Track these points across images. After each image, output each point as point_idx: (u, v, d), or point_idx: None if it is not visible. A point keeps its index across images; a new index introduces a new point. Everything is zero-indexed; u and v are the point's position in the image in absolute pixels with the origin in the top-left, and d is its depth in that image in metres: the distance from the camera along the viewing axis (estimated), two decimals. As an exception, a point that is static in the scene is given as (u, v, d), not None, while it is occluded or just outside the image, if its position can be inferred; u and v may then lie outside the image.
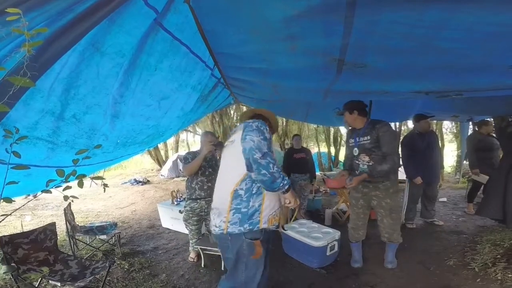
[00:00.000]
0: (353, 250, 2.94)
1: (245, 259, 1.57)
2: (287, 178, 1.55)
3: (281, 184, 1.51)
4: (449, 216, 4.54)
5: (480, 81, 1.98)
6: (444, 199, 5.61)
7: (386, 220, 2.71)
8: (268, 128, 1.66)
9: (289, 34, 1.52)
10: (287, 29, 1.46)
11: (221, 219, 1.58)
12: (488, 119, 4.47)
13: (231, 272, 1.65)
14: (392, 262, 2.87)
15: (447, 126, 11.17)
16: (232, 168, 1.66)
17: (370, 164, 2.63)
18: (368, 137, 2.63)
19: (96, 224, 3.74)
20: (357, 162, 2.74)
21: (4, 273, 2.58)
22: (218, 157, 3.05)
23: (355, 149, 2.73)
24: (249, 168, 1.55)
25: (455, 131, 10.24)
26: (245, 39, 1.74)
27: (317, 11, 1.25)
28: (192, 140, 16.49)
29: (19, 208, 0.87)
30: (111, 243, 3.67)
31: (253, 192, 1.57)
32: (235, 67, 2.46)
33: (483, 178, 4.26)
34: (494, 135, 4.34)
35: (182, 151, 12.70)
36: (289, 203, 1.63)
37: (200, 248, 3.13)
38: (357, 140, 2.71)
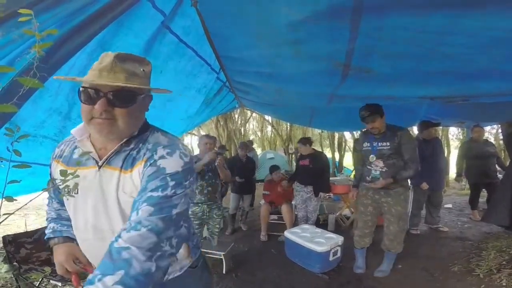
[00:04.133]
0: (357, 256, 2.91)
1: None
2: (48, 227, 1.03)
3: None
4: (454, 223, 4.48)
5: (486, 87, 1.97)
6: (450, 205, 5.54)
7: (392, 227, 2.63)
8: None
9: (295, 38, 1.52)
10: (293, 33, 1.46)
11: None
12: (495, 125, 4.45)
13: None
14: (384, 272, 2.78)
15: (453, 132, 11.08)
16: None
17: (384, 170, 2.55)
18: (388, 143, 2.52)
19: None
20: (369, 167, 2.64)
21: (5, 272, 2.59)
22: (218, 161, 3.03)
23: (372, 155, 2.60)
24: None
25: (462, 138, 10.15)
26: (251, 43, 1.75)
27: (323, 16, 1.26)
28: (196, 144, 16.56)
29: (21, 207, 0.87)
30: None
31: None
32: (240, 71, 2.48)
33: (463, 184, 4.32)
34: (492, 141, 4.33)
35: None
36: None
37: (202, 251, 3.12)
38: (375, 145, 2.59)
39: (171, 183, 0.78)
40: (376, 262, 2.99)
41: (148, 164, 0.81)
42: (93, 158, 0.86)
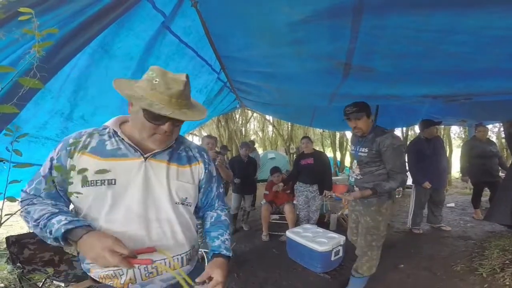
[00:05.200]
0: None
1: None
2: (55, 226, 0.82)
3: (48, 238, 0.83)
4: (457, 222, 4.47)
5: (488, 85, 1.96)
6: (452, 205, 5.53)
7: (359, 240, 2.37)
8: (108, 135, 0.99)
9: (296, 38, 1.52)
10: (294, 33, 1.47)
11: None
12: (497, 124, 4.44)
13: None
14: None
15: (455, 131, 11.07)
16: None
17: (358, 178, 2.30)
18: (366, 150, 2.22)
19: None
20: (351, 172, 2.43)
21: (9, 273, 2.60)
22: (218, 161, 3.04)
23: (355, 160, 2.35)
24: None
25: (463, 136, 10.12)
26: (252, 43, 1.75)
27: (323, 16, 1.26)
28: (198, 144, 16.56)
29: (21, 209, 0.87)
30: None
31: None
32: (241, 71, 2.48)
33: (469, 185, 4.33)
34: (494, 140, 4.31)
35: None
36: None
37: (204, 251, 3.13)
38: (357, 149, 2.32)
39: (218, 182, 1.21)
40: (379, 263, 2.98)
41: (205, 169, 1.11)
42: (136, 151, 0.94)
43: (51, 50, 0.89)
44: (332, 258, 2.91)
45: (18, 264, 2.19)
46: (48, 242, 0.85)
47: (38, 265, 2.35)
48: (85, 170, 0.80)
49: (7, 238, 2.25)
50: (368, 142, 2.23)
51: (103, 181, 0.89)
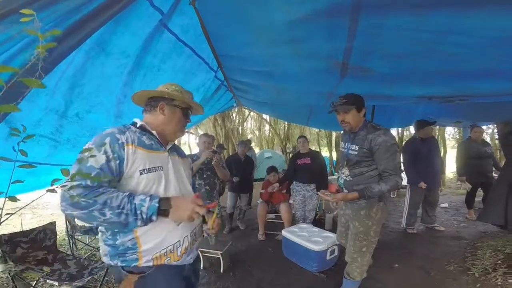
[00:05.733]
0: None
1: None
2: (144, 204, 1.03)
3: (136, 219, 1.02)
4: (450, 222, 4.52)
5: (484, 87, 1.98)
6: (446, 205, 5.58)
7: (349, 245, 2.22)
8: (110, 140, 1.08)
9: (293, 37, 1.52)
10: (292, 32, 1.46)
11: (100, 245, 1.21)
12: (491, 125, 4.48)
13: None
14: None
15: (450, 131, 11.17)
16: None
17: (347, 180, 2.12)
18: (357, 148, 2.02)
19: (96, 224, 3.72)
20: (340, 173, 2.23)
21: (1, 271, 2.57)
22: (215, 161, 3.04)
23: (345, 159, 2.14)
24: None
25: (458, 137, 10.22)
26: (249, 42, 1.75)
27: (321, 15, 1.26)
28: (194, 142, 16.53)
29: (23, 207, 0.87)
30: (110, 243, 3.66)
31: (116, 230, 1.11)
32: (239, 70, 2.47)
33: (467, 186, 4.33)
34: (488, 141, 4.36)
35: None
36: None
37: (200, 250, 3.12)
38: (347, 147, 2.14)
39: None
40: (373, 260, 3.01)
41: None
42: (162, 146, 1.25)
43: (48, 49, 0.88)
44: (328, 258, 2.92)
45: (11, 263, 2.16)
46: (132, 225, 1.05)
47: (31, 264, 2.32)
48: (145, 160, 1.12)
49: (0, 237, 2.22)
50: (359, 139, 2.02)
51: (156, 167, 1.16)
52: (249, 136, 14.31)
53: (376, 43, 1.47)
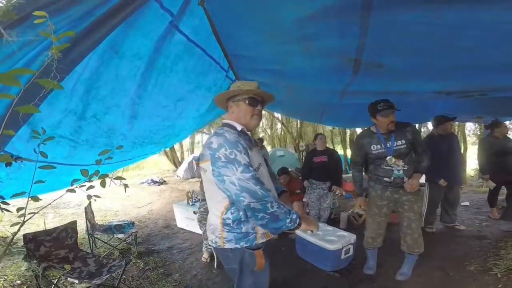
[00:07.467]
0: (369, 257, 2.86)
1: (250, 269, 1.44)
2: (294, 212, 1.30)
3: (288, 221, 1.26)
4: (472, 221, 4.35)
5: (503, 81, 1.90)
6: (467, 203, 5.37)
7: (414, 225, 2.52)
8: (237, 132, 1.39)
9: (304, 35, 1.51)
10: (301, 30, 1.45)
11: (216, 235, 1.43)
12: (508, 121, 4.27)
13: (238, 282, 1.51)
14: (405, 275, 2.67)
15: (470, 128, 10.74)
16: (211, 195, 1.45)
17: (405, 168, 2.43)
18: (404, 141, 2.39)
19: (114, 223, 3.82)
20: (387, 167, 2.48)
21: (25, 269, 2.68)
22: None
23: (389, 156, 2.43)
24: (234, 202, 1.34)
25: (479, 133, 9.82)
26: (259, 41, 1.74)
27: (331, 12, 1.24)
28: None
29: (45, 206, 0.90)
30: (127, 242, 3.76)
31: (242, 219, 1.37)
32: (249, 69, 2.48)
33: (491, 184, 4.13)
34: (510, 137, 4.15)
35: (197, 153, 12.86)
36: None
37: (214, 249, 3.15)
38: (389, 145, 2.42)
39: None
40: (389, 259, 2.95)
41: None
42: (251, 141, 1.47)
43: (63, 51, 0.91)
44: (342, 257, 2.88)
45: (35, 260, 2.25)
46: (284, 228, 1.28)
47: (54, 262, 2.40)
48: (259, 160, 1.45)
49: (24, 236, 2.32)
50: (399, 135, 2.40)
51: (260, 164, 1.43)
52: (260, 135, 14.30)
53: (389, 39, 1.43)
